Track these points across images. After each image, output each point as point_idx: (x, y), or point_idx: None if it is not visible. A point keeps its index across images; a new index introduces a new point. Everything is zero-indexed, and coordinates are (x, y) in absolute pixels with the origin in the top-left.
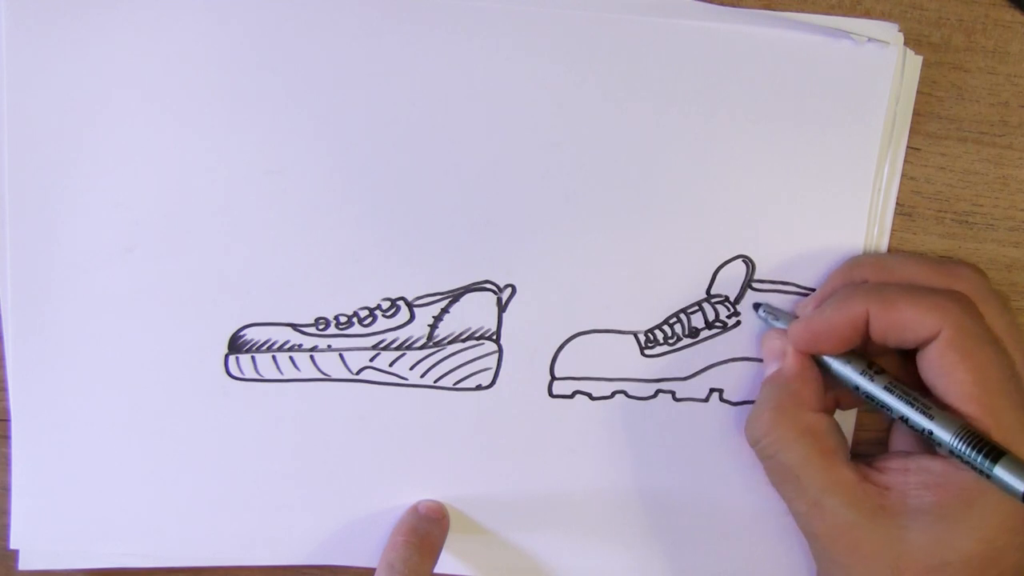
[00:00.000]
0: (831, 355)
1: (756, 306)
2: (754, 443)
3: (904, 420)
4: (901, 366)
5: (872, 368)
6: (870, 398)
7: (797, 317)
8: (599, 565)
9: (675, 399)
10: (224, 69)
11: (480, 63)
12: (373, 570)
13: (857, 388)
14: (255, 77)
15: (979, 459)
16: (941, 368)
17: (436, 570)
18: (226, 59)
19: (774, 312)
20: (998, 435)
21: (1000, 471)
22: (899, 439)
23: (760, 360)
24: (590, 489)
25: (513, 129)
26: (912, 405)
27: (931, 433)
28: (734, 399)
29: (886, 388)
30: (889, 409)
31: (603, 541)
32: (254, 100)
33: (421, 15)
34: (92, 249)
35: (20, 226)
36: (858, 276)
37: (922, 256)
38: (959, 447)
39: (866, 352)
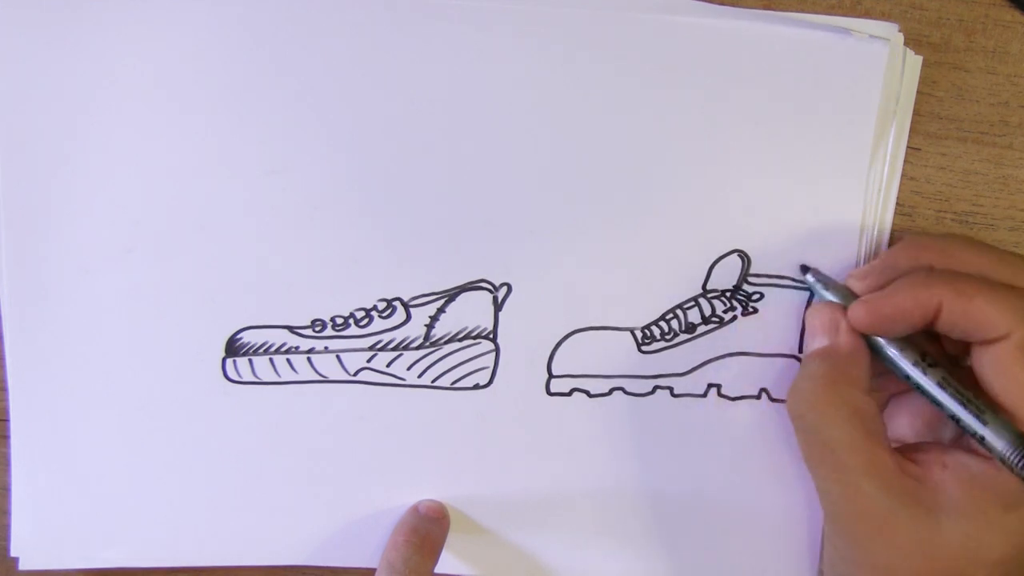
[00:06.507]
0: (888, 338)
1: (804, 269)
2: (797, 416)
3: (954, 419)
4: (937, 344)
5: (925, 360)
6: (919, 388)
7: (847, 288)
8: (599, 562)
9: (673, 395)
10: (222, 70)
11: (476, 61)
12: (373, 570)
13: (908, 377)
14: (253, 79)
15: None
16: (1006, 370)
17: (436, 570)
18: (224, 60)
19: (824, 281)
20: None
21: None
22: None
23: (757, 355)
24: (589, 486)
25: (507, 127)
26: (965, 407)
27: (983, 439)
28: (732, 394)
29: (939, 384)
30: (939, 404)
31: (603, 538)
32: (252, 102)
33: (419, 15)
34: (91, 249)
35: (19, 225)
36: (924, 259)
37: (986, 246)
38: (1012, 458)
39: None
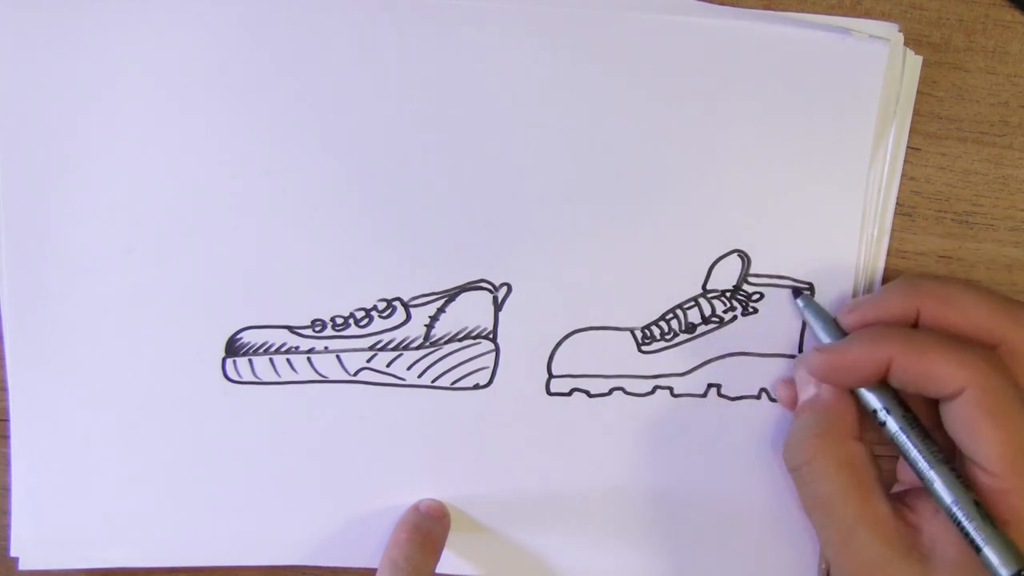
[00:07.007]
0: (850, 387)
1: (796, 292)
2: (794, 469)
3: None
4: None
5: (887, 408)
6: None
7: (834, 320)
8: (599, 562)
9: (673, 395)
10: (223, 70)
11: (476, 61)
12: (373, 570)
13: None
14: (254, 79)
15: (971, 534)
16: (966, 426)
17: (437, 570)
18: (225, 60)
19: (813, 308)
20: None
21: (988, 553)
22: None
23: (757, 355)
24: (589, 486)
25: (507, 127)
26: (918, 463)
27: (932, 490)
28: (732, 394)
29: (899, 431)
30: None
31: (603, 538)
32: (252, 102)
33: (418, 15)
34: (92, 249)
35: (19, 225)
36: (916, 303)
37: (987, 293)
38: (954, 513)
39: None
